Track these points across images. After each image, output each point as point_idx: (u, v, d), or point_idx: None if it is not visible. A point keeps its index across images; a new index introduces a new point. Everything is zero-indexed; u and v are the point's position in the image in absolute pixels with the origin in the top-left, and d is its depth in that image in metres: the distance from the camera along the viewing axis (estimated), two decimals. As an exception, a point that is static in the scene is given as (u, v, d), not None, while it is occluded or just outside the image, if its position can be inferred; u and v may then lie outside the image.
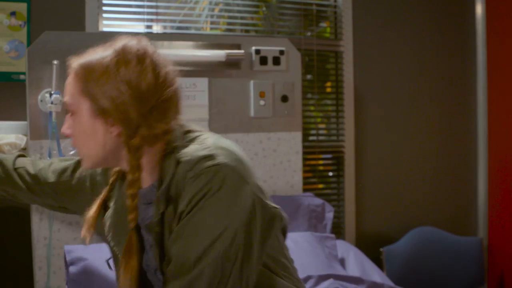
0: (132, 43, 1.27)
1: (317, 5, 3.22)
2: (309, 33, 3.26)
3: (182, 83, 2.71)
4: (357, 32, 3.24)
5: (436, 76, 3.44)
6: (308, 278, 2.11)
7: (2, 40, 2.57)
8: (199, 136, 1.26)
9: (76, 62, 1.26)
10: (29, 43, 2.58)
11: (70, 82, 1.27)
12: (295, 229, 2.56)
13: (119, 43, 1.27)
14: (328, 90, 3.32)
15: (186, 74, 2.66)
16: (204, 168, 1.15)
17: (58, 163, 1.60)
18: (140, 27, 2.92)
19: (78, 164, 1.55)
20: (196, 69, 2.64)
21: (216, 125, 2.66)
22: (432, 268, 3.14)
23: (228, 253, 1.12)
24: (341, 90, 3.23)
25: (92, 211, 1.36)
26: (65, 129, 1.30)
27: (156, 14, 2.91)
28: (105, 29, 2.78)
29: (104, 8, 2.78)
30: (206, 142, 1.22)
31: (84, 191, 1.51)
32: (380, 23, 3.30)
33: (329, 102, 3.28)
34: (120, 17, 2.87)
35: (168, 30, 2.98)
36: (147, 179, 1.28)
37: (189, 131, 1.29)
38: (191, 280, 1.12)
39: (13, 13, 2.58)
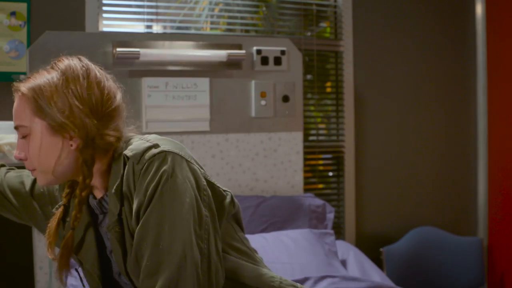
0: (75, 62, 1.32)
1: (317, 5, 3.22)
2: (309, 33, 3.25)
3: (183, 83, 2.73)
4: (357, 32, 3.24)
5: (436, 76, 3.44)
6: (305, 280, 2.11)
7: (2, 40, 2.56)
8: (141, 137, 1.33)
9: (23, 86, 1.29)
10: (29, 43, 2.58)
11: (19, 105, 1.29)
12: (295, 229, 2.56)
13: (61, 64, 1.31)
14: (328, 90, 3.32)
15: (187, 74, 2.68)
16: (151, 156, 1.20)
17: (13, 179, 1.56)
18: (140, 27, 2.91)
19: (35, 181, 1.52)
20: (197, 69, 2.64)
21: (217, 125, 2.67)
22: (432, 268, 3.14)
23: (200, 233, 1.18)
24: (341, 90, 3.23)
25: (52, 226, 1.37)
26: (18, 153, 1.31)
27: (156, 14, 2.90)
28: (105, 29, 2.78)
29: (104, 8, 2.77)
30: (147, 137, 1.29)
31: (44, 208, 1.51)
32: (380, 23, 3.30)
33: (329, 102, 3.28)
34: (120, 17, 2.87)
35: (168, 30, 2.97)
36: (100, 190, 1.33)
37: (132, 137, 1.35)
38: (177, 269, 1.13)
39: (13, 13, 2.58)
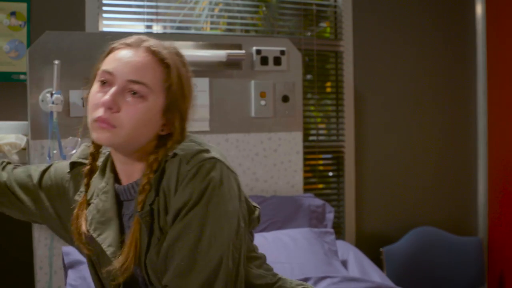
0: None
1: (317, 5, 3.22)
2: (309, 33, 3.25)
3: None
4: (357, 32, 3.24)
5: (436, 76, 3.44)
6: (306, 280, 2.11)
7: (2, 40, 2.56)
8: (191, 137, 1.31)
9: (166, 53, 1.26)
10: (29, 43, 2.58)
11: (152, 66, 1.24)
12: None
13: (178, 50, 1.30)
14: (328, 90, 3.32)
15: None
16: (202, 160, 1.19)
17: (20, 173, 1.52)
18: (140, 27, 2.91)
19: (43, 173, 1.50)
20: (197, 69, 2.60)
21: (217, 125, 2.67)
22: (432, 268, 3.14)
23: (236, 243, 1.20)
24: (341, 90, 3.23)
25: (78, 215, 1.34)
26: (109, 102, 1.20)
27: (156, 14, 2.91)
28: (105, 29, 2.78)
29: (104, 8, 2.78)
30: (196, 139, 1.28)
31: (52, 200, 1.48)
32: (380, 23, 3.30)
33: (329, 102, 3.28)
34: (120, 17, 2.87)
35: (168, 30, 2.97)
36: (133, 175, 1.30)
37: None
38: (211, 274, 1.15)
39: (13, 13, 2.58)
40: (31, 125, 2.38)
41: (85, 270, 2.07)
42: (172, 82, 1.24)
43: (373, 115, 3.30)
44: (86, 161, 1.41)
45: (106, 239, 1.29)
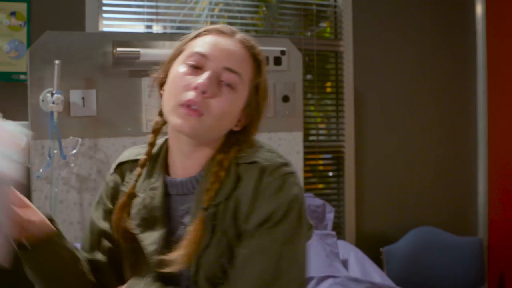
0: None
1: (317, 5, 3.22)
2: (309, 33, 3.26)
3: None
4: (357, 32, 3.24)
5: (436, 76, 3.44)
6: (310, 279, 2.11)
7: (2, 40, 2.56)
8: (264, 146, 1.27)
9: (256, 49, 1.22)
10: (29, 43, 2.58)
11: (246, 57, 1.20)
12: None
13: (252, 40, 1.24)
14: (328, 90, 3.32)
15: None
16: (285, 173, 1.16)
17: (86, 240, 1.37)
18: (140, 27, 2.92)
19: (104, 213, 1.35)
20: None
21: (217, 125, 2.66)
22: (432, 268, 3.14)
23: (304, 258, 1.19)
24: (341, 90, 3.23)
25: (122, 205, 1.27)
26: (206, 85, 1.13)
27: (156, 14, 2.91)
28: (105, 29, 2.78)
29: (104, 8, 2.78)
30: (271, 148, 1.24)
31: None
32: (380, 23, 3.30)
33: (329, 102, 3.28)
34: (120, 17, 2.87)
35: (168, 30, 2.97)
36: (191, 169, 1.24)
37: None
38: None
39: (13, 13, 2.58)
40: (32, 125, 2.38)
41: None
42: (261, 79, 1.22)
43: (373, 115, 3.30)
44: (131, 158, 1.34)
45: (149, 237, 1.23)
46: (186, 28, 3.05)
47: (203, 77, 1.13)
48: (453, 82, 3.48)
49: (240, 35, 1.21)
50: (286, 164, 1.18)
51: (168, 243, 1.21)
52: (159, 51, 2.58)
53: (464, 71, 3.50)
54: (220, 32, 1.21)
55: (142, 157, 1.31)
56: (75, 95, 2.44)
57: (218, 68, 1.15)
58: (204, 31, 1.23)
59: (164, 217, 1.24)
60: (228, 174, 1.19)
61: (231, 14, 3.10)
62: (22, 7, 2.59)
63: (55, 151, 2.38)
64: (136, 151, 1.36)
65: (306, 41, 3.13)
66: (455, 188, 3.50)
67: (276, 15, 3.20)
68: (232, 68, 1.16)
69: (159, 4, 2.90)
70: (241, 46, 1.19)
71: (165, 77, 1.25)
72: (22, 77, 2.57)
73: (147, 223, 1.24)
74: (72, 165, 2.42)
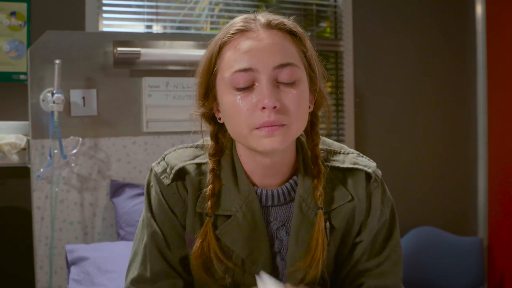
0: None
1: (317, 5, 3.22)
2: (309, 33, 3.24)
3: (183, 82, 2.72)
4: (357, 32, 3.24)
5: (436, 76, 3.44)
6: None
7: (2, 40, 2.56)
8: (346, 148, 1.28)
9: (291, 24, 1.11)
10: (29, 43, 2.58)
11: (284, 42, 1.08)
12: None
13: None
14: (328, 90, 3.32)
15: (188, 74, 2.67)
16: (380, 176, 1.23)
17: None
18: (140, 27, 2.91)
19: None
20: (197, 69, 2.63)
21: (217, 125, 2.66)
22: (432, 268, 3.14)
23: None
24: (341, 90, 3.23)
25: (206, 232, 1.14)
26: (273, 102, 1.02)
27: (156, 14, 2.91)
28: (105, 29, 2.78)
29: (104, 8, 2.77)
30: (352, 150, 1.28)
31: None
32: (380, 23, 3.30)
33: (329, 102, 3.27)
34: (120, 17, 2.87)
35: (168, 30, 2.97)
36: (277, 177, 1.16)
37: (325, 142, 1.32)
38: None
39: (13, 13, 2.57)
40: (32, 125, 2.38)
41: (88, 266, 2.07)
42: (307, 48, 1.10)
43: (373, 115, 3.30)
44: (192, 162, 1.18)
45: (258, 259, 1.15)
46: (186, 28, 3.05)
47: (263, 93, 1.02)
48: (453, 82, 3.48)
49: (263, 20, 1.09)
50: (377, 169, 1.24)
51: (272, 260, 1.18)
52: (160, 51, 2.59)
53: (464, 71, 3.51)
54: (244, 31, 1.08)
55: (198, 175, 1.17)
56: (76, 95, 2.45)
57: (270, 72, 1.04)
58: (223, 43, 1.09)
59: (266, 232, 1.16)
60: (329, 178, 1.17)
61: (231, 14, 3.10)
62: (22, 7, 2.59)
63: (56, 151, 2.38)
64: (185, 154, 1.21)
65: (306, 41, 3.13)
66: (455, 188, 3.50)
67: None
68: (281, 62, 1.05)
69: (159, 4, 2.90)
70: (273, 32, 1.08)
71: (211, 109, 1.15)
72: (22, 77, 2.57)
73: (252, 243, 1.15)
74: (72, 164, 2.42)
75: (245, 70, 1.04)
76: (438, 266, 3.15)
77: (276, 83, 1.05)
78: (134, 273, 1.19)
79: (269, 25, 1.08)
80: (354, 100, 3.23)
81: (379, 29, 3.30)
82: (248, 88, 1.04)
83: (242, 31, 1.08)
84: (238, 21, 1.10)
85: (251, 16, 1.11)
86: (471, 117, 3.53)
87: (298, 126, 1.07)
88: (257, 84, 1.04)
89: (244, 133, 1.06)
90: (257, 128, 1.03)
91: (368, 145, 3.27)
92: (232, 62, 1.06)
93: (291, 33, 1.09)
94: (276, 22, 1.08)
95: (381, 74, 3.31)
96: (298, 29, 1.11)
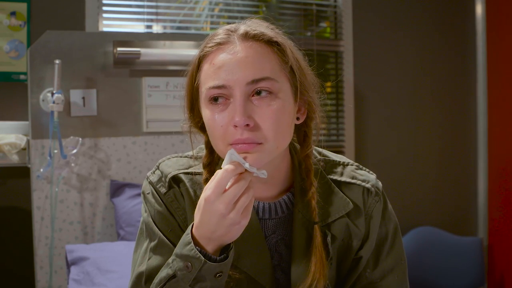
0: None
1: (317, 5, 3.22)
2: (309, 33, 3.26)
3: (183, 82, 2.72)
4: (357, 32, 3.24)
5: (436, 76, 3.44)
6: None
7: (2, 40, 2.56)
8: (341, 158, 1.27)
9: (262, 28, 1.06)
10: (29, 43, 2.58)
11: (264, 53, 1.03)
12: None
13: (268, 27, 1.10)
14: (328, 90, 3.32)
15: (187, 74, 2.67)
16: (381, 189, 1.22)
17: None
18: (140, 27, 2.91)
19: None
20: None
21: (217, 125, 2.66)
22: (432, 268, 3.14)
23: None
24: (341, 90, 3.23)
25: None
26: (244, 120, 0.99)
27: (156, 14, 2.91)
28: (105, 29, 2.78)
29: (104, 8, 2.77)
30: (349, 160, 1.26)
31: None
32: (380, 23, 3.30)
33: (329, 102, 3.28)
34: (120, 17, 2.87)
35: (168, 30, 2.97)
36: (272, 189, 1.15)
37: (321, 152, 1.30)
38: None
39: (13, 13, 2.57)
40: (32, 125, 2.38)
41: (88, 266, 2.07)
42: (289, 58, 1.06)
43: (373, 115, 3.30)
44: (186, 171, 1.17)
45: (260, 272, 1.12)
46: (186, 28, 3.05)
47: (235, 110, 1.00)
48: (453, 82, 3.48)
49: (241, 31, 1.05)
50: (377, 181, 1.22)
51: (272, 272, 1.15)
52: (160, 51, 2.59)
53: (464, 71, 3.50)
54: (220, 45, 1.05)
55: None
56: (76, 95, 2.45)
57: (243, 88, 1.00)
58: (202, 55, 1.08)
59: (266, 245, 1.14)
60: (329, 188, 1.16)
61: (231, 14, 3.10)
62: (22, 7, 2.59)
63: (56, 151, 2.38)
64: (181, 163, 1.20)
65: (306, 41, 3.13)
66: (455, 188, 3.50)
67: (276, 15, 3.20)
68: (255, 78, 1.00)
69: (159, 4, 2.90)
70: (248, 44, 1.03)
71: (200, 119, 1.13)
72: (22, 77, 2.57)
73: (251, 255, 1.12)
74: (72, 164, 2.42)
75: (218, 87, 1.01)
76: (438, 266, 3.15)
77: (252, 98, 1.01)
78: (136, 277, 1.16)
79: (245, 37, 1.04)
80: (354, 100, 3.23)
81: (379, 29, 3.30)
82: (223, 103, 1.02)
83: (219, 44, 1.05)
84: (219, 32, 1.08)
85: (233, 27, 1.08)
86: (471, 117, 3.52)
87: (278, 142, 1.03)
88: (231, 100, 1.01)
89: (221, 148, 1.04)
90: (231, 144, 1.01)
91: (368, 145, 3.27)
92: (207, 77, 1.04)
93: (270, 43, 1.05)
94: (254, 33, 1.04)
95: (381, 74, 3.31)
96: (280, 38, 1.07)
